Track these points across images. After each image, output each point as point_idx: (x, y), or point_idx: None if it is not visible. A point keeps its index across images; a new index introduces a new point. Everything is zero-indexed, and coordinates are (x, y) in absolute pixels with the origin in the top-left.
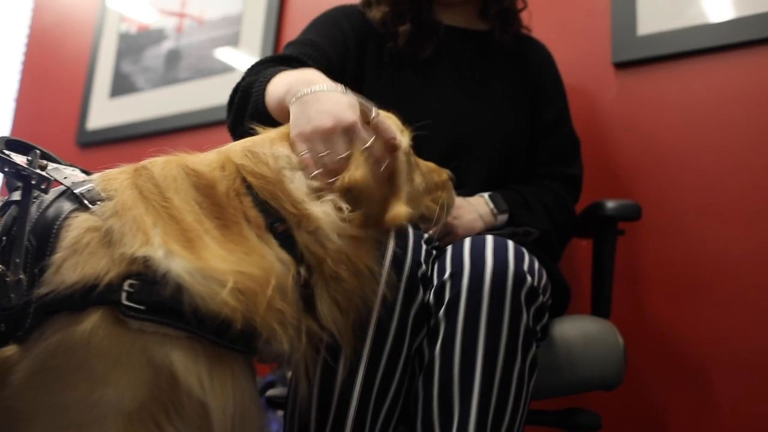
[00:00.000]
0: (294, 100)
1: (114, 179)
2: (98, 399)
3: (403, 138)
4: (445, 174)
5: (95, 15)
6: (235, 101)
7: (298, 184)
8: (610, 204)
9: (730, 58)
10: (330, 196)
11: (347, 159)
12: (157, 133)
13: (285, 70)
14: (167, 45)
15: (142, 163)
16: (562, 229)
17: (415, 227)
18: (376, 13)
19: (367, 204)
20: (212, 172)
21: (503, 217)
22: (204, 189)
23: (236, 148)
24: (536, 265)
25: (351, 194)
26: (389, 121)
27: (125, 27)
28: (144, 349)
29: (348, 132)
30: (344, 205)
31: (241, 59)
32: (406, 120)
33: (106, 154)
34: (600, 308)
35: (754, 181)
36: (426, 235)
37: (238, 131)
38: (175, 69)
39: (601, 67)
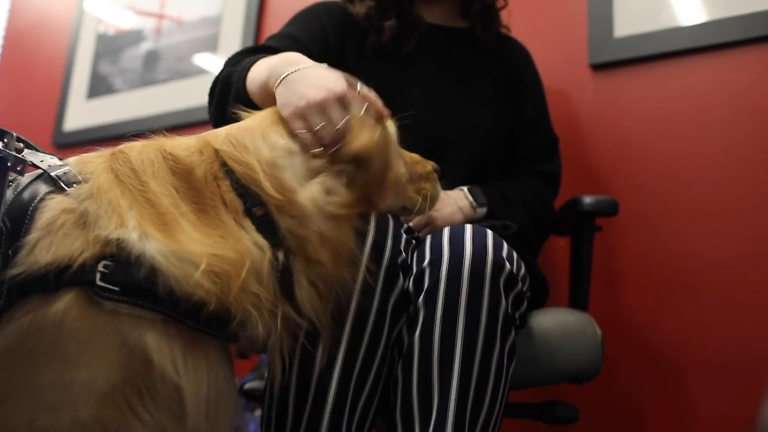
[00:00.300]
0: (279, 81)
1: (90, 162)
2: (71, 380)
3: (392, 128)
4: (429, 165)
5: (72, 16)
6: (216, 93)
7: (294, 171)
8: (588, 199)
9: (704, 60)
10: (321, 178)
11: (345, 128)
12: (134, 135)
13: (264, 57)
14: (146, 46)
15: (120, 147)
16: (540, 224)
17: (396, 217)
18: (360, 8)
19: (370, 173)
20: (190, 157)
21: (482, 210)
22: (181, 173)
23: (219, 134)
24: (515, 254)
25: (358, 161)
26: (372, 96)
27: (103, 28)
28: (118, 330)
29: (341, 101)
30: (338, 185)
31: (220, 61)
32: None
33: None
34: (578, 302)
35: (727, 180)
36: (406, 225)
37: (221, 124)
38: (153, 70)
39: (578, 69)
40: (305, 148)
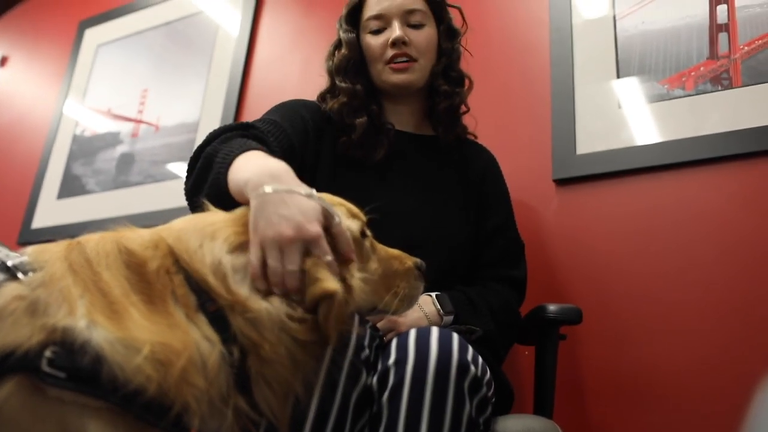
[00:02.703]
0: (256, 195)
1: (47, 251)
2: None
3: (353, 223)
4: (410, 262)
5: (51, 117)
6: (197, 168)
7: (244, 282)
8: (552, 307)
9: (660, 178)
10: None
11: (298, 272)
12: None
13: (251, 144)
14: (121, 149)
15: (78, 238)
16: (506, 330)
17: (363, 319)
18: (333, 104)
19: (325, 317)
20: (145, 251)
21: (449, 318)
22: (135, 266)
23: (175, 228)
24: (480, 359)
25: (320, 306)
26: (347, 235)
27: (80, 130)
28: (60, 419)
29: (308, 244)
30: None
31: None
32: None
33: None
34: (542, 408)
35: (685, 290)
36: (371, 323)
37: (195, 201)
38: (126, 172)
39: (542, 183)
40: (252, 276)
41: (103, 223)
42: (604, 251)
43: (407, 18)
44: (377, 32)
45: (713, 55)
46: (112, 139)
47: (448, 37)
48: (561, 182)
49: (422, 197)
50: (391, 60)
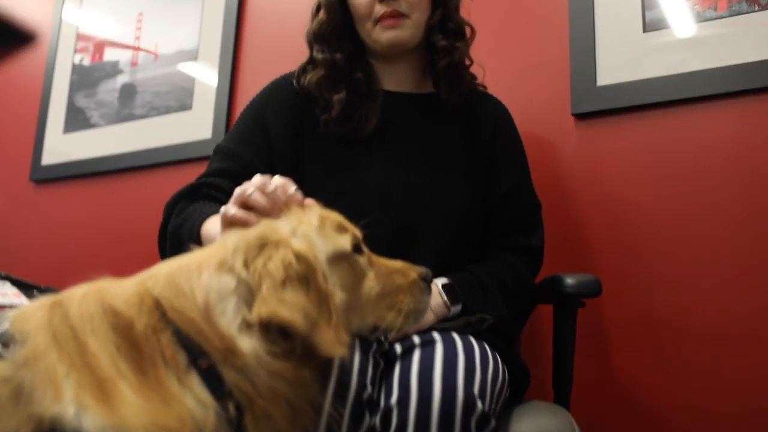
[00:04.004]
0: None
1: (30, 318)
2: None
3: (343, 239)
4: (413, 274)
5: (49, 43)
6: (167, 249)
7: (229, 317)
8: (569, 280)
9: (689, 112)
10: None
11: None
12: (113, 172)
13: (206, 210)
14: (122, 79)
15: (60, 296)
16: (520, 307)
17: (364, 339)
18: (312, 77)
19: (299, 337)
20: (130, 310)
21: (457, 308)
22: (122, 329)
23: (160, 276)
24: (489, 376)
25: (272, 331)
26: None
27: (78, 58)
28: None
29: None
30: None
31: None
32: (349, 205)
33: (62, 191)
34: (561, 392)
35: (717, 233)
36: (375, 346)
37: None
38: (130, 105)
39: (560, 117)
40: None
41: (112, 160)
42: (627, 191)
43: None
44: None
45: None
46: (112, 69)
47: None
48: (581, 116)
49: (421, 168)
50: (381, 18)
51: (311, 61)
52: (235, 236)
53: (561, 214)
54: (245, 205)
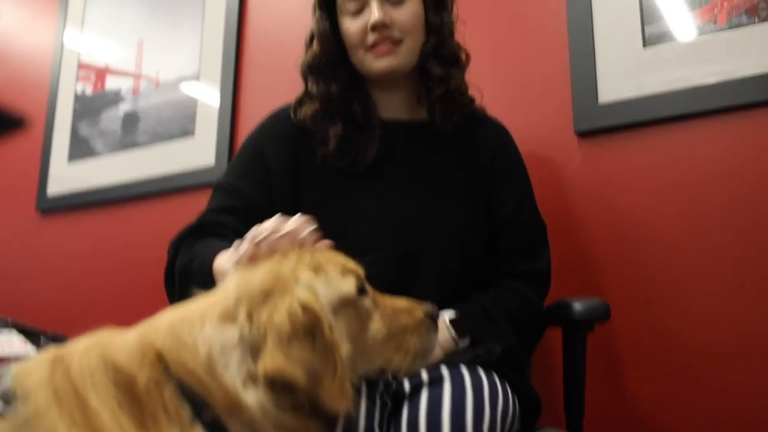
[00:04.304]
0: None
1: (31, 374)
2: None
3: (347, 281)
4: (419, 312)
5: (50, 74)
6: (177, 286)
7: (233, 370)
8: (577, 306)
9: (693, 127)
10: (262, 386)
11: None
12: (117, 200)
13: (216, 245)
14: (124, 107)
15: (61, 351)
16: (529, 334)
17: (371, 381)
18: (307, 110)
19: (304, 392)
20: (131, 364)
21: (465, 342)
22: (123, 384)
23: (162, 327)
24: (498, 412)
25: (278, 386)
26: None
27: (80, 87)
28: None
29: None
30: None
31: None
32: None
33: (68, 220)
34: (573, 421)
35: (722, 252)
36: (382, 386)
37: None
38: (133, 133)
39: (563, 136)
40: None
41: (117, 188)
42: (633, 209)
43: None
44: (355, 14)
45: None
46: (114, 97)
47: (436, 7)
48: (583, 134)
49: (421, 197)
50: (373, 45)
51: (307, 94)
52: (238, 281)
53: (566, 234)
54: (255, 255)
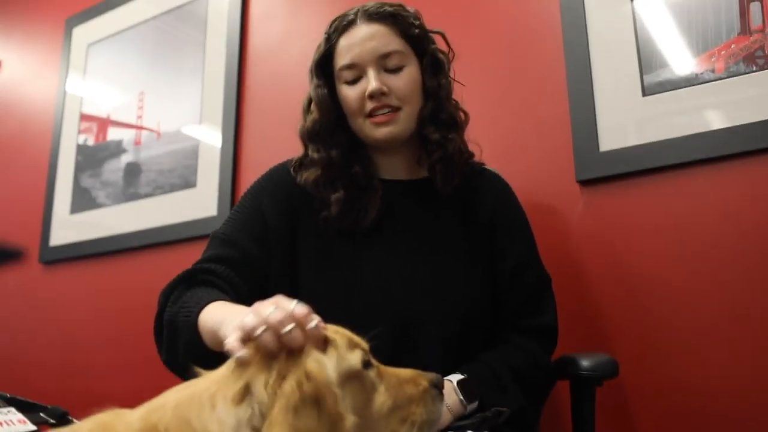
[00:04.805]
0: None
1: None
2: None
3: (353, 355)
4: (424, 382)
5: (52, 126)
6: (165, 338)
7: None
8: (585, 362)
9: (695, 174)
10: None
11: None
12: (120, 251)
13: (204, 297)
14: (126, 158)
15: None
16: (537, 393)
17: None
18: (308, 175)
19: None
20: None
21: (473, 405)
22: None
23: (167, 408)
24: None
25: None
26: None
27: (82, 139)
28: None
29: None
30: None
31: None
32: (349, 299)
33: (71, 271)
34: None
35: (732, 300)
36: None
37: (176, 368)
38: (135, 184)
39: (565, 185)
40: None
41: (119, 239)
42: (637, 258)
43: (383, 63)
44: (353, 82)
45: (745, 29)
46: (116, 148)
47: (433, 71)
48: (585, 183)
49: (422, 258)
50: (372, 113)
51: (307, 158)
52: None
53: (571, 286)
54: (251, 341)
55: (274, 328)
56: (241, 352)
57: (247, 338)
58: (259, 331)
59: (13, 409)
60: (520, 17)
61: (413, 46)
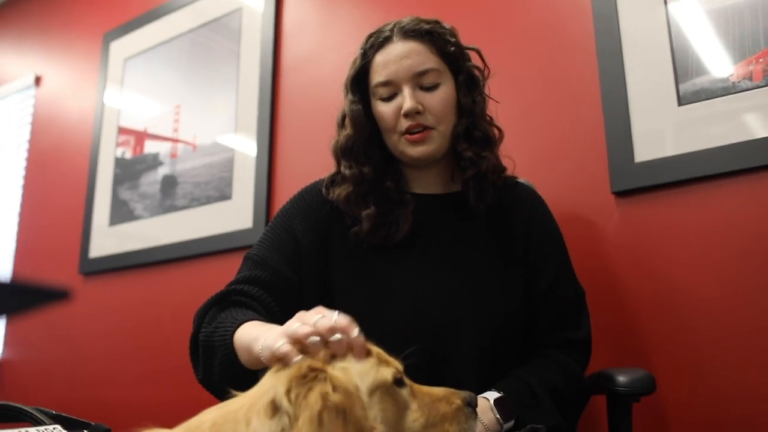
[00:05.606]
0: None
1: None
2: None
3: (386, 371)
4: (458, 400)
5: (91, 138)
6: (200, 358)
7: None
8: (621, 378)
9: (732, 185)
10: None
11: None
12: (157, 263)
13: (238, 317)
14: (162, 171)
15: None
16: (572, 409)
17: None
18: (340, 192)
19: None
20: None
21: (509, 424)
22: None
23: (205, 427)
24: None
25: None
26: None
27: (120, 151)
28: None
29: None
30: None
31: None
32: (381, 314)
33: (109, 283)
34: None
35: (762, 309)
36: None
37: (212, 388)
38: (172, 196)
39: (600, 196)
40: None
41: (157, 251)
42: (673, 270)
43: (419, 81)
44: (388, 99)
45: None
46: (153, 161)
47: (468, 89)
48: (621, 194)
49: (455, 272)
50: (406, 131)
51: (339, 175)
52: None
53: (607, 299)
54: (299, 343)
55: (323, 336)
56: (297, 358)
57: (296, 344)
58: (312, 339)
59: (58, 427)
60: (553, 26)
61: (449, 63)
